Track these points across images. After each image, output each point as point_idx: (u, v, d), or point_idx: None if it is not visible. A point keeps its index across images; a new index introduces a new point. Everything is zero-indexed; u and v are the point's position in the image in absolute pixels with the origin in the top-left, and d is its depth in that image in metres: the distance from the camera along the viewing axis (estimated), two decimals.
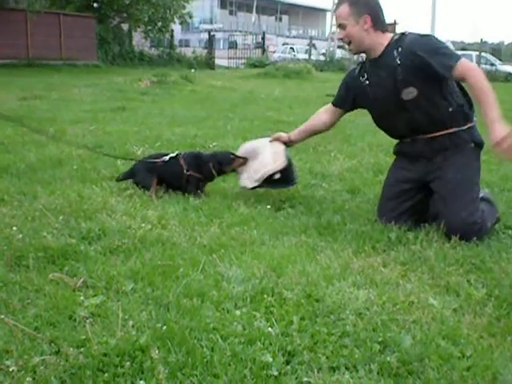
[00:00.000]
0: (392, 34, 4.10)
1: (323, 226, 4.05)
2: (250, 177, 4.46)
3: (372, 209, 4.42)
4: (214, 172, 4.75)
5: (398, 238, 3.84)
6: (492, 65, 33.75)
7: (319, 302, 2.78)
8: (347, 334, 2.50)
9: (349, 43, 4.12)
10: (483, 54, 34.48)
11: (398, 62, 3.95)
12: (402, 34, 4.05)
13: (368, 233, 3.91)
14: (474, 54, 33.86)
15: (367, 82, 4.21)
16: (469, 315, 2.80)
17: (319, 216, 4.24)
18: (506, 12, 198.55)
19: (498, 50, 50.70)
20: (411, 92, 3.96)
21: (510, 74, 32.28)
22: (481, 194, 4.10)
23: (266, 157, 4.41)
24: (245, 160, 4.64)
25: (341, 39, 4.20)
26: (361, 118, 10.45)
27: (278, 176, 4.40)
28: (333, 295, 2.85)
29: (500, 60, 37.46)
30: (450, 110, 3.96)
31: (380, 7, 4.09)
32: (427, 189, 4.13)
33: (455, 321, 2.73)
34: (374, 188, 5.04)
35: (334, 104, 4.54)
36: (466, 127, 4.03)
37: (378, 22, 4.05)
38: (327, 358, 2.32)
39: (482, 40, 36.53)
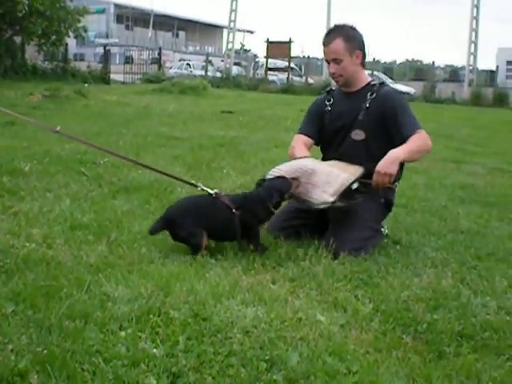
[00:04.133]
0: (368, 74, 4.37)
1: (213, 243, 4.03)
2: (323, 191, 3.97)
3: (264, 226, 4.42)
4: (272, 209, 4.01)
5: (287, 254, 3.87)
6: None
7: (206, 320, 2.75)
8: (234, 353, 2.48)
9: (339, 76, 4.22)
10: (376, 72, 35.58)
11: (367, 106, 4.16)
12: (382, 83, 4.35)
13: None
14: (367, 72, 34.85)
15: (329, 108, 4.37)
16: (355, 331, 2.85)
17: None
18: (398, 32, 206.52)
19: (390, 69, 52.36)
20: (359, 135, 4.17)
21: (401, 92, 33.36)
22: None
23: (328, 170, 4.09)
24: (298, 181, 4.01)
25: (333, 73, 4.24)
26: (254, 134, 10.58)
27: (356, 186, 4.05)
28: (221, 314, 2.82)
29: (392, 79, 38.66)
30: (375, 165, 4.06)
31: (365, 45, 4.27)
32: (321, 218, 4.22)
33: (342, 337, 2.77)
34: None
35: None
36: None
37: (364, 59, 4.26)
38: (213, 378, 2.30)
39: (374, 59, 37.77)
